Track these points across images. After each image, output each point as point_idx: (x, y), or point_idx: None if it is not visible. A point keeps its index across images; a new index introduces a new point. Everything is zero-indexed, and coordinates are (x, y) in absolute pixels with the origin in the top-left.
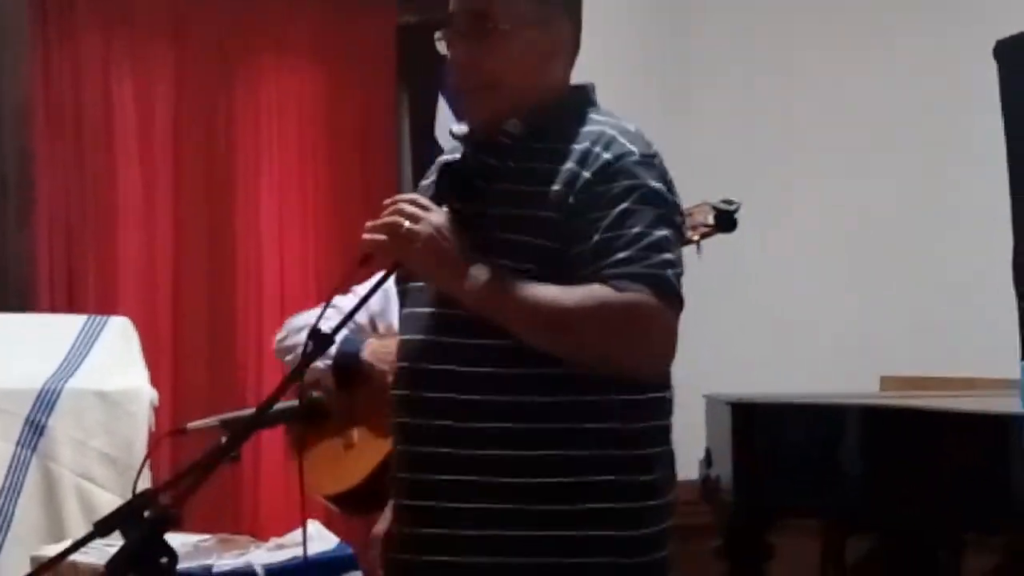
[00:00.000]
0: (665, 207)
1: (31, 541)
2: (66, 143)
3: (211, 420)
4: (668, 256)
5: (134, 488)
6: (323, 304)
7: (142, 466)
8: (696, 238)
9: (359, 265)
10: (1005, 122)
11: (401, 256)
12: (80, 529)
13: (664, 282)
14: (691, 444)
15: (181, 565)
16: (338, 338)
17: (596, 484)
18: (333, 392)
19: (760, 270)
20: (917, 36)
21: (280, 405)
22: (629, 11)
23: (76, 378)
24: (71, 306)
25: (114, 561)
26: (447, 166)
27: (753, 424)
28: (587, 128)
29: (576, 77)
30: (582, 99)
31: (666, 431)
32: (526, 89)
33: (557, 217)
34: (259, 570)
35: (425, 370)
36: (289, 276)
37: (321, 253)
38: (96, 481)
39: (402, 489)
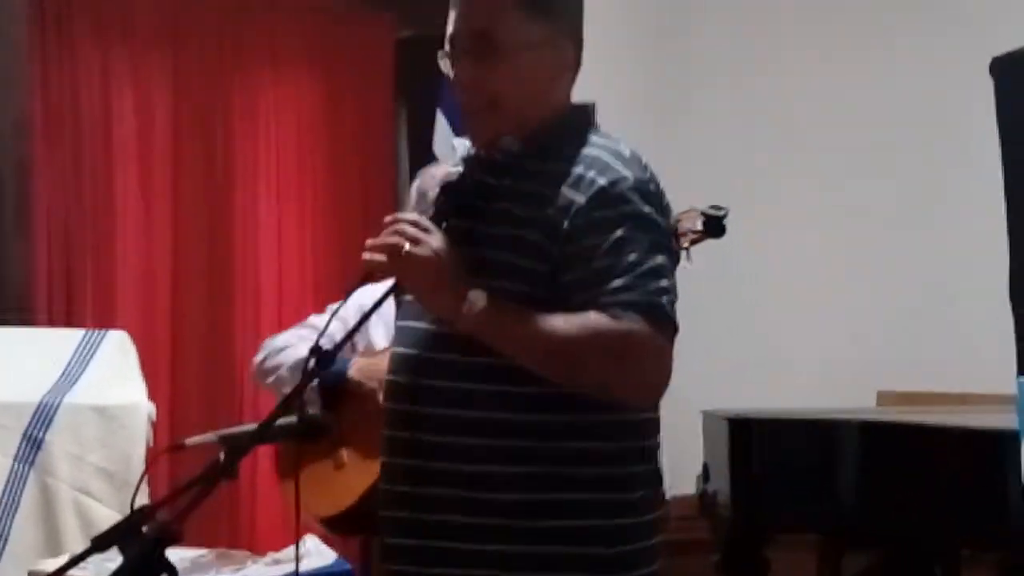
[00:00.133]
0: (659, 233)
1: (28, 556)
2: (64, 154)
3: (209, 436)
4: (663, 283)
5: (132, 503)
6: (322, 320)
7: (140, 482)
8: (686, 245)
9: (360, 283)
10: (1001, 139)
11: (400, 278)
12: (78, 544)
13: (659, 310)
14: (689, 459)
15: None
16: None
17: (571, 502)
18: (320, 411)
19: (756, 283)
20: (915, 39)
21: (279, 422)
22: (628, 12)
23: (74, 393)
24: (69, 318)
25: None
26: (447, 185)
27: (750, 439)
28: (585, 151)
29: (574, 80)
30: (582, 120)
31: (651, 450)
32: (530, 110)
33: (550, 241)
34: None
35: (417, 384)
36: (287, 288)
37: (320, 265)
38: (94, 496)
39: (387, 501)
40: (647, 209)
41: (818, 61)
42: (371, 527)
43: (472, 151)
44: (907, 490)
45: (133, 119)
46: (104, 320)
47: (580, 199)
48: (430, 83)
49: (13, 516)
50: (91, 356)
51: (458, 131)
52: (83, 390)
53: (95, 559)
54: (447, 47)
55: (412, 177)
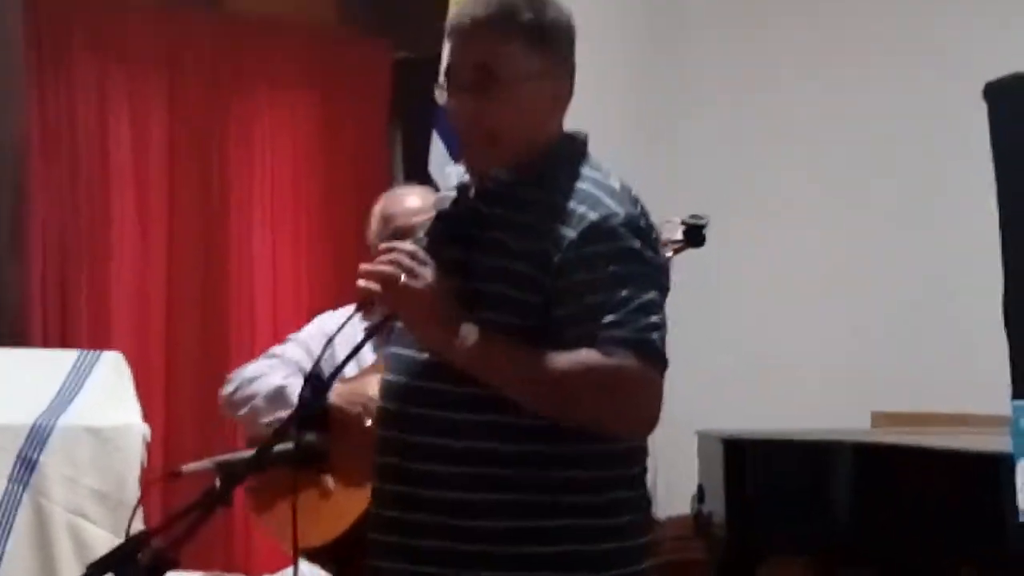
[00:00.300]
0: (650, 268)
1: None
2: (61, 176)
3: (205, 463)
4: (654, 319)
5: (127, 530)
6: (284, 349)
7: (135, 509)
8: (668, 255)
9: (356, 311)
10: (995, 164)
11: (393, 308)
12: (71, 566)
13: (650, 346)
14: (683, 479)
15: None
16: (296, 388)
17: (556, 528)
18: (317, 436)
19: (750, 303)
20: (909, 63)
21: (276, 448)
22: (619, 30)
23: (68, 414)
24: (64, 338)
25: None
26: (442, 213)
27: (745, 461)
28: (577, 184)
29: (566, 108)
30: (575, 150)
31: (639, 477)
32: (526, 142)
33: (543, 273)
34: None
35: (406, 412)
36: (282, 310)
37: (315, 287)
38: (88, 517)
39: (377, 526)
40: (638, 245)
41: (807, 85)
42: (360, 557)
43: (465, 178)
44: (902, 512)
45: (129, 141)
46: (99, 341)
47: (571, 234)
48: (426, 106)
49: (7, 538)
50: (86, 377)
51: (454, 154)
52: (78, 411)
53: None
54: (443, 79)
55: None
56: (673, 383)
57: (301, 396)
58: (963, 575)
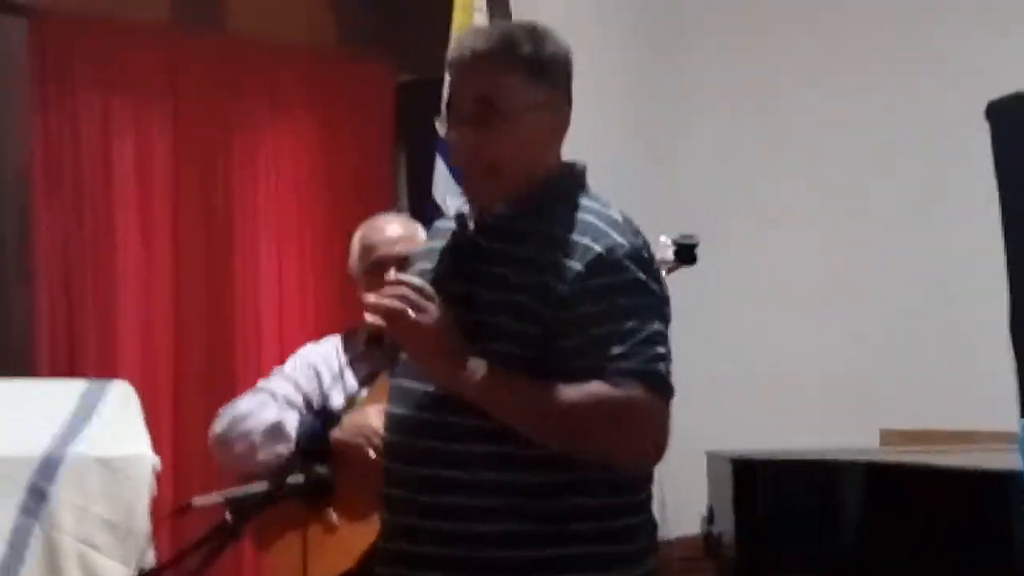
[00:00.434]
0: (654, 299)
1: None
2: (65, 203)
3: (215, 496)
4: (660, 350)
5: (137, 563)
6: (272, 384)
7: (146, 544)
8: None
9: (365, 345)
10: (999, 184)
11: (400, 341)
12: None
13: (657, 377)
14: (692, 499)
15: None
16: (292, 423)
17: (564, 557)
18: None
19: (757, 320)
20: (909, 71)
21: (288, 481)
22: (618, 39)
23: (77, 444)
24: (71, 367)
25: None
26: (447, 248)
27: (755, 481)
28: (578, 216)
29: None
30: (574, 180)
31: (644, 503)
32: (526, 174)
33: (543, 305)
34: None
35: (412, 445)
36: (288, 334)
37: (321, 309)
38: (98, 547)
39: (385, 559)
40: (642, 276)
41: (807, 95)
42: None
43: (463, 209)
44: (912, 531)
45: (133, 165)
46: (106, 369)
47: (577, 266)
48: (430, 128)
49: (18, 570)
50: (94, 407)
51: (458, 177)
52: (87, 442)
53: None
54: (444, 112)
55: None
56: (680, 400)
57: (311, 428)
58: None
